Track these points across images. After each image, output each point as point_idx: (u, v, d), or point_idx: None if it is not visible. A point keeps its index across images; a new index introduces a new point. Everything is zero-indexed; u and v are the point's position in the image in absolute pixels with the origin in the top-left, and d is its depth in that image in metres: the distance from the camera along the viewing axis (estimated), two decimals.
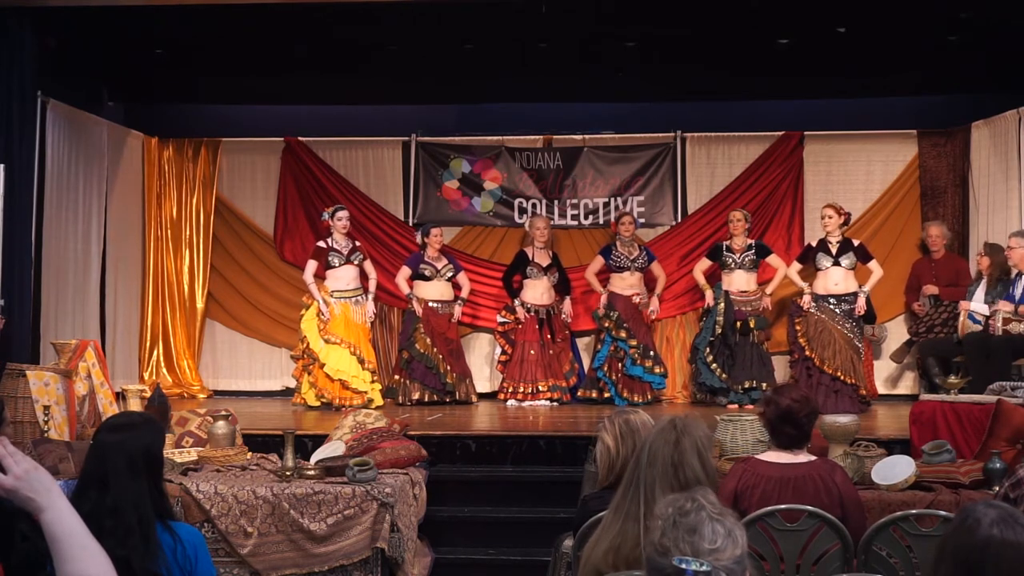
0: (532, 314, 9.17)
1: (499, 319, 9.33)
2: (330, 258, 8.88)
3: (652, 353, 9.03)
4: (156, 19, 8.37)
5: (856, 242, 8.79)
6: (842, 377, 8.36)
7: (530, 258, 9.27)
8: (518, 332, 9.18)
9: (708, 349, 8.86)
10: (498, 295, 9.58)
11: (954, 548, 2.05)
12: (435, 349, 8.95)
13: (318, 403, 8.64)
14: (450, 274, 9.22)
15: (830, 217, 8.68)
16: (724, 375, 8.76)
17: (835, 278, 8.62)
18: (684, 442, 2.81)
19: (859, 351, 8.56)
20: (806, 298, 8.67)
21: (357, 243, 9.09)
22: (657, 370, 8.98)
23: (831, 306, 8.59)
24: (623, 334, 8.92)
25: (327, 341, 8.68)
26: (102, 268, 9.25)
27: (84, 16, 8.11)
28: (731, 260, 8.99)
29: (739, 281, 8.97)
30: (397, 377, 9.07)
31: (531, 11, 7.95)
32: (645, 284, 9.34)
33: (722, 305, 8.88)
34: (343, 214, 8.94)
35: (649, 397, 8.88)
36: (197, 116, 10.42)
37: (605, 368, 9.00)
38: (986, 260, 8.39)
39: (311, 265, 8.94)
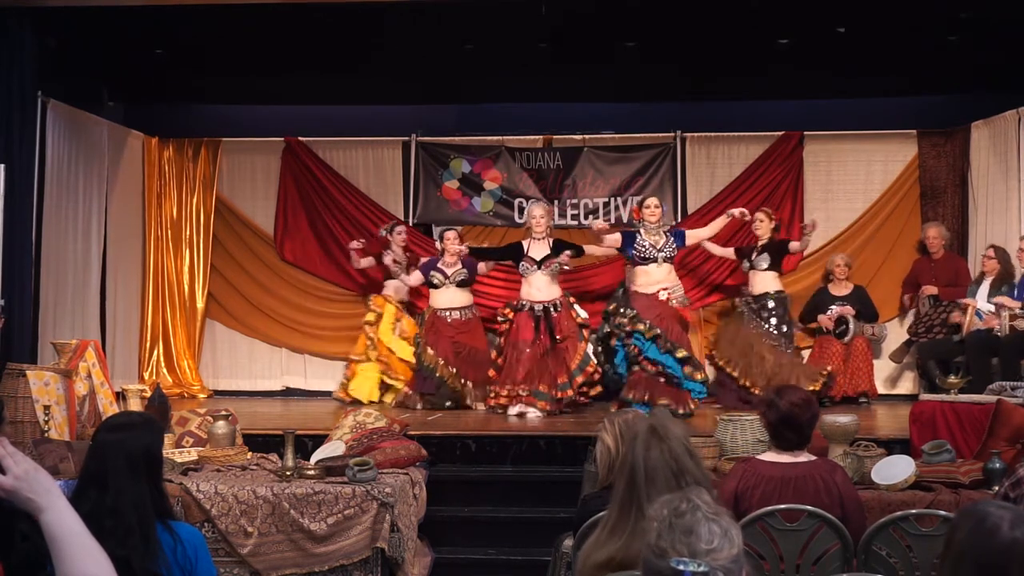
0: (528, 312, 8.36)
1: (500, 318, 8.68)
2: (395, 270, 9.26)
3: (691, 358, 7.99)
4: (156, 19, 8.36)
5: (778, 239, 8.84)
6: (751, 388, 8.34)
7: (524, 251, 8.49)
8: (512, 332, 8.41)
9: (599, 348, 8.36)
10: (499, 295, 9.48)
11: (975, 552, 2.04)
12: (434, 355, 8.56)
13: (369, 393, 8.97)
14: (461, 278, 8.86)
15: (761, 221, 8.85)
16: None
17: (752, 280, 8.76)
18: (674, 447, 2.68)
19: (779, 348, 8.55)
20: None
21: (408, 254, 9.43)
22: (698, 376, 8.00)
23: (751, 304, 8.73)
24: (640, 326, 7.84)
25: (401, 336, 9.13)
26: (102, 268, 9.25)
27: (84, 16, 8.11)
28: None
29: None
30: (408, 390, 8.81)
31: (531, 11, 7.95)
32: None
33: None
34: (401, 228, 9.37)
35: (692, 408, 7.84)
36: (197, 116, 10.42)
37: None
38: (994, 262, 8.37)
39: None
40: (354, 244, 9.31)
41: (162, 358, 10.00)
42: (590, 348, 8.31)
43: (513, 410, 8.11)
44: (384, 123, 10.17)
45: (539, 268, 8.40)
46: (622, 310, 8.01)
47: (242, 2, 7.87)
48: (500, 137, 10.08)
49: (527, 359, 8.22)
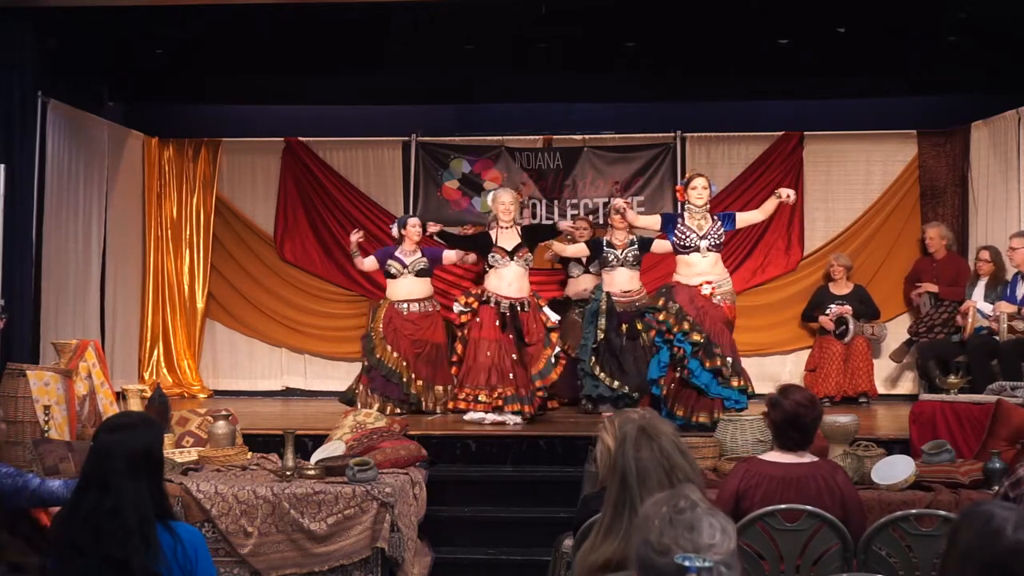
0: (493, 306, 7.66)
1: (456, 308, 7.86)
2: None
3: (730, 360, 6.97)
4: (156, 19, 8.37)
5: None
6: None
7: (493, 241, 7.83)
8: (474, 327, 7.68)
9: (593, 359, 7.98)
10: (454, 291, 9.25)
11: (980, 554, 2.03)
12: (396, 355, 8.01)
13: None
14: (421, 266, 8.30)
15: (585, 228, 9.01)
16: (616, 382, 7.90)
17: (584, 284, 8.91)
18: (664, 444, 2.63)
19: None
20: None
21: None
22: (735, 383, 6.95)
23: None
24: (685, 326, 6.91)
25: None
26: (102, 268, 9.25)
27: (84, 16, 8.12)
28: (612, 256, 8.21)
29: (621, 280, 8.18)
30: (361, 387, 8.13)
31: (531, 11, 7.95)
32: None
33: (604, 306, 8.10)
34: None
35: (718, 417, 6.65)
36: (197, 116, 10.41)
37: (662, 383, 7.06)
38: (989, 265, 8.36)
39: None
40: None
41: (162, 358, 10.00)
42: (554, 355, 7.75)
43: (473, 416, 7.51)
44: (384, 123, 10.17)
45: (511, 259, 7.76)
46: (668, 304, 7.06)
47: (242, 2, 7.87)
48: (500, 137, 10.08)
49: (488, 361, 7.56)
